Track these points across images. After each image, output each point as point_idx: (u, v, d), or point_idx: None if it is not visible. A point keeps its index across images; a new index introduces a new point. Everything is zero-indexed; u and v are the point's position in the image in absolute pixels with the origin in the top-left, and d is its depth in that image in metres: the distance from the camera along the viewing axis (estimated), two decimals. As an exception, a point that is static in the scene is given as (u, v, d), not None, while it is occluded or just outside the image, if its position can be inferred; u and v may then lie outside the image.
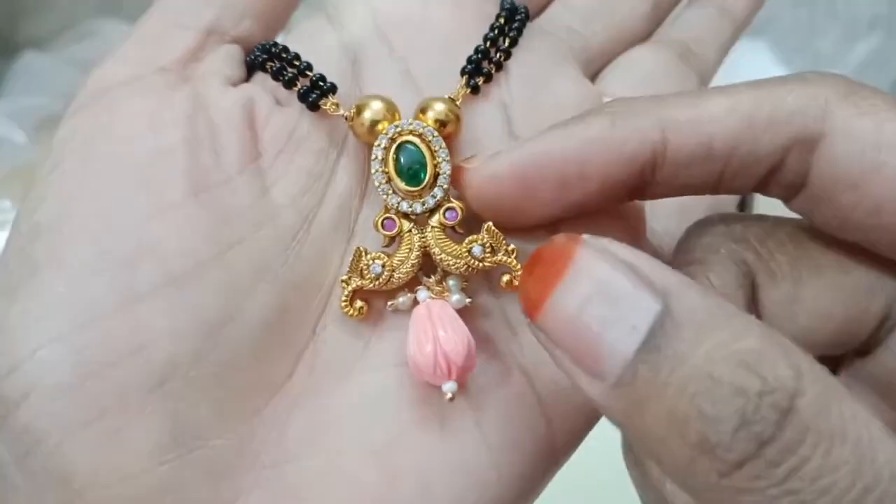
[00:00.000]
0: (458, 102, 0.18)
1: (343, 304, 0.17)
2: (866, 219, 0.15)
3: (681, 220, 0.19)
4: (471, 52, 0.19)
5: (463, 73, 0.18)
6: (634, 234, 0.18)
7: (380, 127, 0.17)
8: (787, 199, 0.16)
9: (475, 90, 0.18)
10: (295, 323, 0.16)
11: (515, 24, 0.19)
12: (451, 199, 0.17)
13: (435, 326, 0.16)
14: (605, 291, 0.12)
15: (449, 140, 0.17)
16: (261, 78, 0.18)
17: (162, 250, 0.15)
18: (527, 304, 0.13)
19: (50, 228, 0.15)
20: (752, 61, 0.62)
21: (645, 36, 0.23)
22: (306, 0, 0.20)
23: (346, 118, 0.17)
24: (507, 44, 0.19)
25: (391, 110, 0.17)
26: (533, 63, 0.19)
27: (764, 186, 0.16)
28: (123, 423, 0.14)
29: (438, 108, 0.17)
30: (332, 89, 0.17)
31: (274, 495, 0.15)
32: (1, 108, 0.55)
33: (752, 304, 0.17)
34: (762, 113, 0.15)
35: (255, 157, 0.17)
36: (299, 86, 0.17)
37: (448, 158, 0.17)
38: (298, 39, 0.19)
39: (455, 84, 0.18)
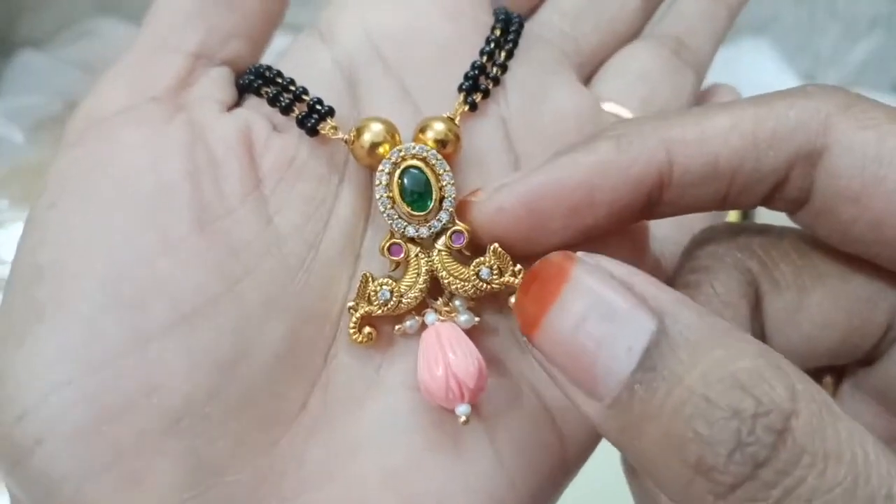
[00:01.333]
0: (456, 121, 0.17)
1: (352, 330, 0.16)
2: (867, 232, 0.15)
3: (681, 226, 0.19)
4: (467, 65, 0.18)
5: (460, 89, 0.18)
6: (638, 250, 0.18)
7: (381, 150, 0.17)
8: (791, 213, 0.16)
9: (473, 107, 0.18)
10: (306, 353, 0.16)
11: (511, 36, 0.19)
12: (457, 222, 0.17)
13: (444, 349, 0.16)
14: (600, 310, 0.12)
15: (449, 159, 0.17)
16: (255, 102, 0.18)
17: (171, 288, 0.15)
18: (523, 322, 0.13)
19: (53, 270, 0.15)
20: (753, 61, 0.62)
21: (637, 30, 0.22)
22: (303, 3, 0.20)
23: (345, 142, 0.17)
24: (503, 57, 0.19)
25: (391, 132, 0.17)
26: (528, 74, 0.19)
27: (769, 201, 0.16)
28: (141, 464, 0.14)
29: (438, 128, 0.17)
30: (330, 112, 0.17)
31: None
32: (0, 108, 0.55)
33: (756, 313, 0.17)
34: (765, 129, 0.15)
35: (256, 185, 0.16)
36: (297, 112, 0.17)
37: (453, 181, 0.17)
38: (291, 59, 0.18)
39: (452, 100, 0.18)
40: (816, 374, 0.18)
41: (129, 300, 0.15)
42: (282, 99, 0.17)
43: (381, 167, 0.17)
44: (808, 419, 0.11)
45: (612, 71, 0.21)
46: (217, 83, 0.18)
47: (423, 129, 0.17)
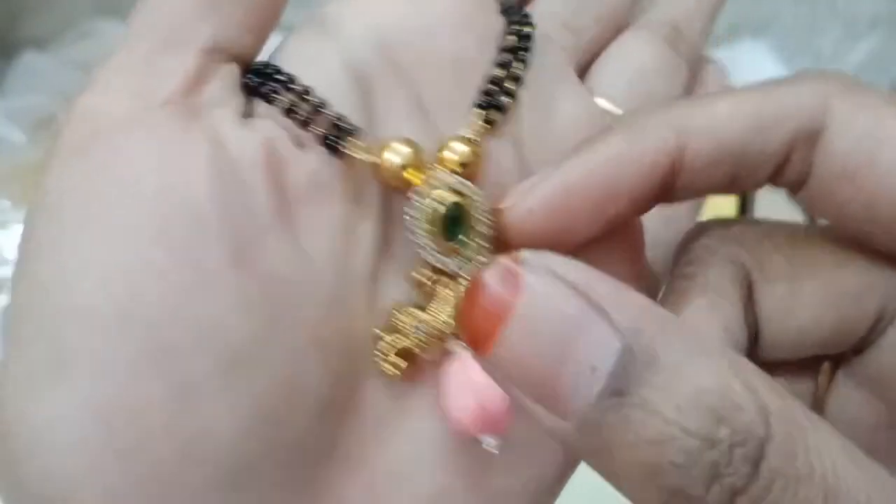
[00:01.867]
0: (477, 141, 0.17)
1: (382, 362, 0.16)
2: (861, 212, 0.15)
3: (668, 226, 0.20)
4: (479, 75, 0.17)
5: (479, 106, 0.17)
6: (634, 249, 0.18)
7: (408, 174, 0.16)
8: (793, 193, 0.17)
9: (491, 124, 0.17)
10: (342, 389, 0.15)
11: (525, 44, 0.18)
12: (487, 255, 0.16)
13: (472, 379, 0.15)
14: (558, 325, 0.12)
15: (470, 181, 0.17)
16: (267, 107, 0.16)
17: (213, 331, 0.13)
18: (473, 338, 0.12)
19: (78, 311, 0.13)
20: (753, 61, 0.62)
21: (629, 13, 0.22)
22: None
23: (371, 164, 0.16)
24: (518, 68, 0.18)
25: (418, 154, 0.16)
26: (535, 80, 0.18)
27: (773, 181, 0.17)
28: None
29: (461, 150, 0.16)
30: (355, 131, 0.16)
31: None
32: (1, 108, 0.55)
33: (750, 304, 0.17)
34: (768, 111, 0.16)
35: (285, 207, 0.15)
36: (322, 131, 0.16)
37: (488, 214, 0.16)
38: (293, 56, 0.17)
39: (465, 113, 0.17)
40: (813, 361, 0.18)
41: (167, 348, 0.13)
42: (298, 111, 0.16)
43: (416, 197, 0.16)
44: (781, 442, 0.11)
45: (608, 65, 0.21)
46: (228, 84, 0.16)
47: (444, 151, 0.16)
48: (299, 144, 0.16)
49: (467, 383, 0.15)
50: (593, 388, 0.11)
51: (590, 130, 0.18)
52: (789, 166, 0.16)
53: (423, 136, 0.17)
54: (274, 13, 0.17)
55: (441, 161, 0.16)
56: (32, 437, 0.13)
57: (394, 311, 0.16)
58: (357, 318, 0.16)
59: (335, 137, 0.15)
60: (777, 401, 0.12)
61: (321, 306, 0.15)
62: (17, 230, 0.50)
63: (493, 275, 0.12)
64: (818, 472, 0.11)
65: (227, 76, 0.16)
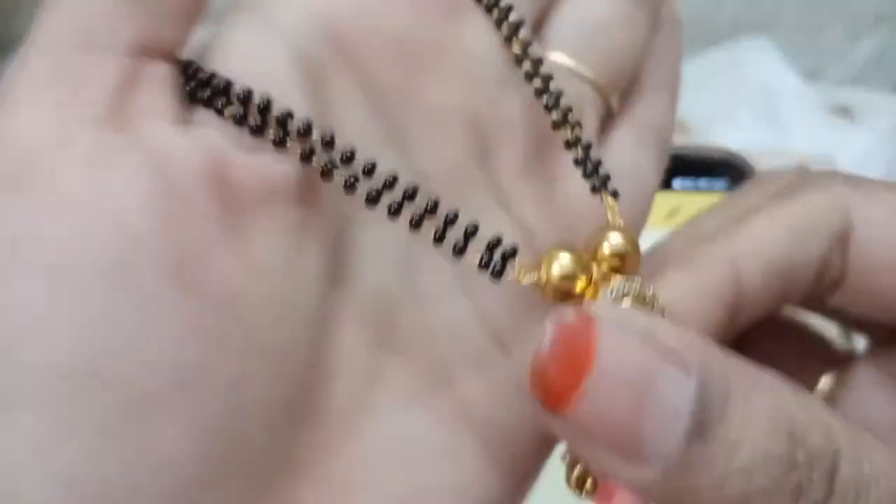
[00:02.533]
0: (626, 227, 0.16)
1: (575, 487, 0.16)
2: None
3: None
4: (438, 52, 0.16)
5: (598, 187, 0.17)
6: None
7: (575, 287, 0.15)
8: (827, 297, 0.17)
9: (616, 195, 0.17)
10: (295, 393, 0.15)
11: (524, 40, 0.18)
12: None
13: None
14: (636, 374, 0.12)
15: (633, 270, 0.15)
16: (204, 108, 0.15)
17: (154, 355, 0.13)
18: (551, 397, 0.13)
19: (10, 352, 0.12)
20: (756, 59, 0.62)
21: None
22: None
23: (535, 283, 0.15)
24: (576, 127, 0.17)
25: (581, 262, 0.15)
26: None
27: (813, 290, 0.17)
28: None
29: (614, 242, 0.15)
30: (514, 253, 0.15)
31: None
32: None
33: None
34: (802, 220, 0.16)
35: (228, 218, 0.14)
36: (440, 231, 0.15)
37: (664, 307, 0.15)
38: (228, 49, 0.15)
39: (427, 94, 0.16)
40: (815, 374, 0.19)
41: (108, 375, 0.12)
42: (316, 157, 0.14)
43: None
44: (848, 455, 0.13)
45: (565, 17, 0.19)
46: (159, 86, 0.14)
47: (594, 244, 0.15)
48: (244, 148, 0.14)
49: None
50: (678, 429, 0.12)
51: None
52: (828, 270, 0.17)
53: (382, 128, 0.16)
54: (197, 6, 0.15)
55: (601, 260, 0.15)
56: None
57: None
58: (310, 323, 0.15)
59: (495, 261, 0.15)
60: (833, 419, 0.13)
61: (271, 315, 0.14)
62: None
63: (565, 332, 0.13)
64: (882, 474, 0.13)
65: (157, 77, 0.14)
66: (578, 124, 0.17)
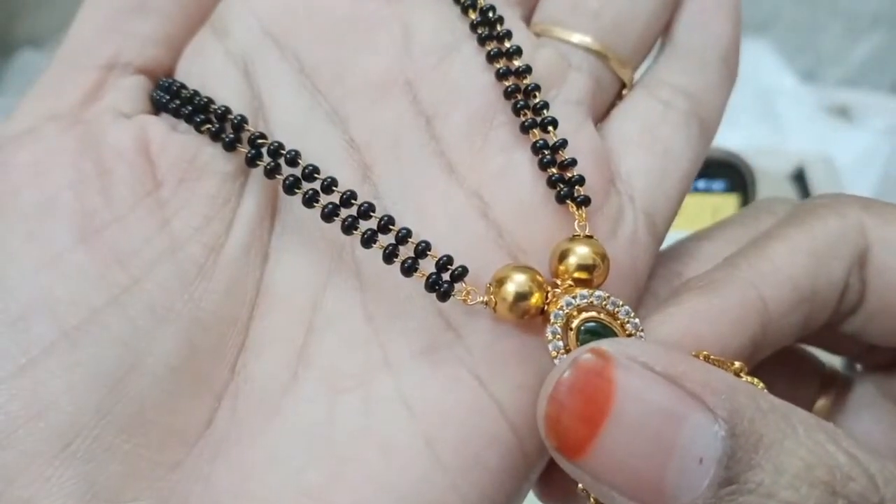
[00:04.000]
0: (593, 237, 0.15)
1: None
2: None
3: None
4: (387, 38, 0.17)
5: (564, 198, 0.16)
6: None
7: (530, 301, 0.15)
8: (844, 320, 0.17)
9: (587, 203, 0.16)
10: (209, 363, 0.15)
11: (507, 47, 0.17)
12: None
13: None
14: (658, 420, 0.11)
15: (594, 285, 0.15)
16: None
17: (52, 303, 0.14)
18: (567, 445, 0.12)
19: None
20: (755, 60, 0.62)
21: None
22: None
23: (485, 304, 0.15)
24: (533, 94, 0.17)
25: (535, 279, 0.15)
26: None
27: (833, 315, 0.17)
28: (32, 492, 0.14)
29: (582, 253, 0.15)
30: (463, 274, 0.15)
31: None
32: (-2, 108, 0.55)
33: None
34: (822, 245, 0.16)
35: (151, 189, 0.16)
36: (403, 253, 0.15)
37: (642, 329, 0.15)
38: (186, 58, 0.18)
39: (369, 90, 0.17)
40: (810, 397, 0.18)
41: (10, 318, 0.14)
42: (280, 173, 0.16)
43: (552, 324, 0.15)
44: (892, 500, 0.12)
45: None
46: (127, 94, 0.17)
47: (562, 256, 0.15)
48: (173, 128, 0.17)
49: None
50: (703, 480, 0.11)
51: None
52: (847, 292, 0.16)
53: (318, 104, 0.17)
54: (191, 26, 0.18)
55: (558, 271, 0.15)
56: None
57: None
58: (235, 294, 0.16)
59: (440, 279, 0.15)
60: (876, 462, 0.12)
61: (181, 280, 0.15)
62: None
63: (581, 376, 0.12)
64: None
65: (130, 87, 0.17)
66: (546, 105, 0.17)
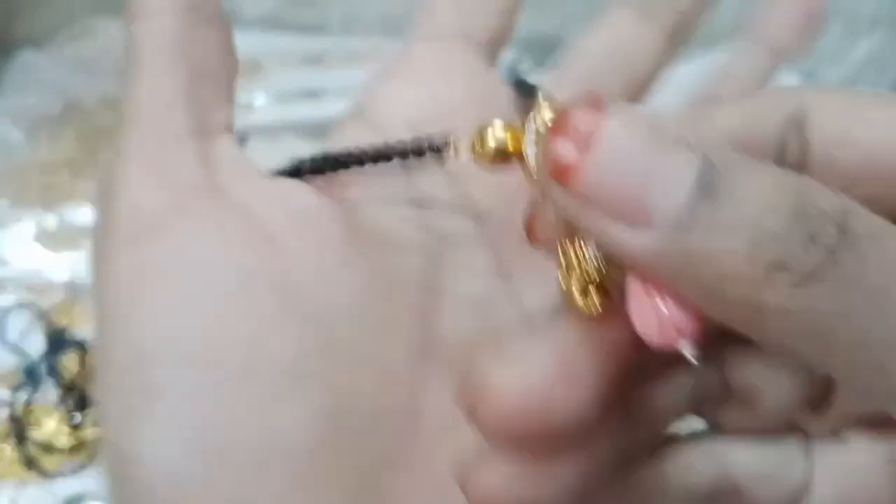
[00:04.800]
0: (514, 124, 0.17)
1: (580, 303, 0.15)
2: (863, 168, 0.16)
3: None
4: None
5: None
6: None
7: (510, 148, 0.16)
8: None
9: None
10: (400, 396, 0.18)
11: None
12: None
13: (651, 298, 0.15)
14: (644, 146, 0.13)
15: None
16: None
17: (270, 357, 0.16)
18: (556, 167, 0.13)
19: (160, 355, 0.16)
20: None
21: None
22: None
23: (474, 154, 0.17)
24: None
25: (511, 128, 0.16)
26: None
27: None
28: None
29: (547, 116, 0.16)
30: (447, 142, 0.18)
31: None
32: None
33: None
34: (755, 105, 0.17)
35: (320, 254, 0.18)
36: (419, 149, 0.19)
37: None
38: (342, 143, 0.20)
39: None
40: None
41: (232, 374, 0.16)
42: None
43: (531, 133, 0.16)
44: (860, 212, 0.13)
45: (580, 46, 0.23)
46: (230, 156, 0.18)
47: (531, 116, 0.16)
48: (319, 190, 0.18)
49: (648, 303, 0.15)
50: (684, 189, 0.12)
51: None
52: (787, 152, 0.17)
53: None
54: (230, 85, 0.19)
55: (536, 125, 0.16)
56: (139, 460, 0.16)
57: (560, 246, 0.16)
58: (400, 325, 0.18)
59: (438, 151, 0.19)
60: (843, 195, 0.13)
61: (369, 330, 0.17)
62: (15, 229, 0.50)
63: (579, 108, 0.13)
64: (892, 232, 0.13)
65: (228, 145, 0.19)
66: None
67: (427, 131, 0.19)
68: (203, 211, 0.17)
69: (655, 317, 0.14)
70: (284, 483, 0.16)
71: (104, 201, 0.18)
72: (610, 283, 0.15)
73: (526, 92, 0.19)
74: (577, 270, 0.15)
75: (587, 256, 0.15)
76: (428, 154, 0.18)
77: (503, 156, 0.16)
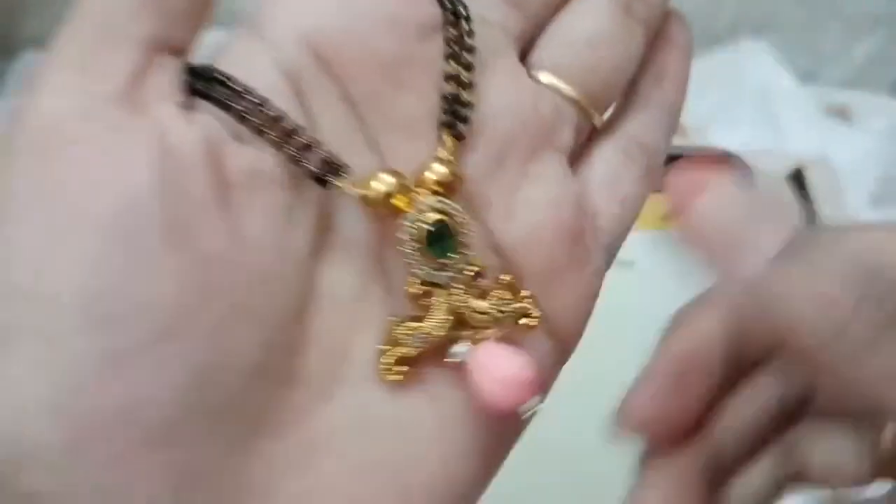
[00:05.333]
0: (454, 160, 0.18)
1: (385, 372, 0.17)
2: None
3: None
4: (417, 70, 0.18)
5: (446, 124, 0.18)
6: None
7: (395, 200, 0.17)
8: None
9: (461, 138, 0.18)
10: (276, 356, 0.16)
11: (467, 44, 0.18)
12: (474, 262, 0.18)
13: (494, 363, 0.17)
14: (744, 200, 0.16)
15: (452, 198, 0.18)
16: (205, 103, 0.17)
17: (144, 305, 0.15)
18: (675, 207, 0.16)
19: (19, 292, 0.15)
20: (754, 60, 0.62)
21: None
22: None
23: (361, 198, 0.17)
24: (468, 75, 0.18)
25: (402, 182, 0.17)
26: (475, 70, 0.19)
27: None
28: (126, 480, 0.15)
29: (440, 171, 0.17)
30: (344, 169, 0.17)
31: None
32: (1, 108, 0.55)
33: None
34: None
35: (224, 196, 0.16)
36: (313, 169, 0.17)
37: (472, 230, 0.18)
38: (228, 59, 0.17)
39: (406, 110, 0.18)
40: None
41: (102, 320, 0.15)
42: (286, 145, 0.17)
43: (407, 219, 0.17)
44: None
45: (555, 36, 0.20)
46: (171, 78, 0.16)
47: (424, 173, 0.18)
48: (238, 138, 0.17)
49: (491, 367, 0.17)
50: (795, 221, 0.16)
51: (517, 115, 0.19)
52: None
53: (360, 137, 0.18)
54: (206, 4, 0.17)
55: (422, 184, 0.17)
56: None
57: (392, 325, 0.18)
58: (294, 292, 0.17)
59: (325, 173, 0.17)
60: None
61: (253, 280, 0.16)
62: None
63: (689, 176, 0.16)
64: None
65: (171, 70, 0.17)
66: (471, 65, 0.18)
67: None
68: (109, 124, 0.15)
69: (499, 388, 0.17)
70: (141, 441, 0.15)
71: (22, 100, 0.16)
72: (425, 360, 0.18)
73: (453, 7, 0.19)
74: (393, 346, 0.17)
75: (410, 335, 0.17)
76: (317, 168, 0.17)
77: (390, 205, 0.17)
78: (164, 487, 0.15)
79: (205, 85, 0.17)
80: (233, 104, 0.16)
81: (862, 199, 0.56)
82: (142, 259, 0.15)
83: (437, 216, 0.17)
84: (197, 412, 0.15)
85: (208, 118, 0.16)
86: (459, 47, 0.18)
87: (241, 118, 0.16)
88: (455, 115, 0.18)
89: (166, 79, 0.16)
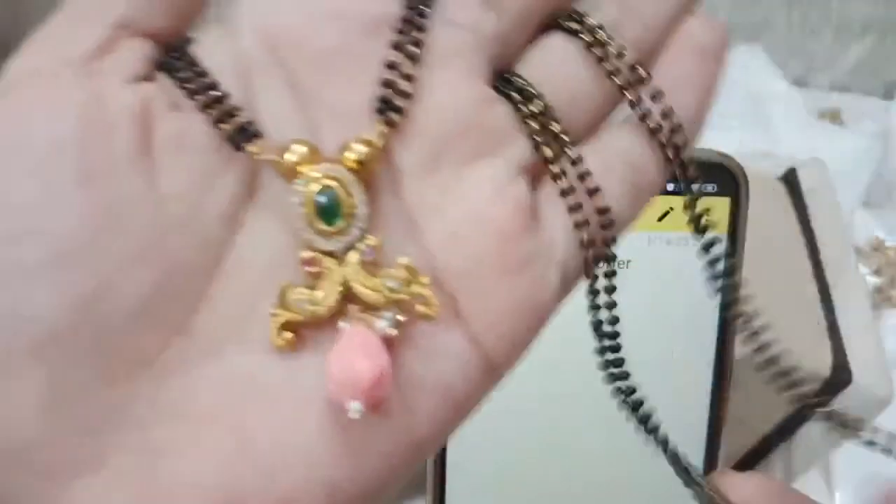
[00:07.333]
0: (373, 141, 0.18)
1: (274, 336, 0.18)
2: None
3: None
4: (365, 62, 0.18)
5: (378, 111, 0.18)
6: None
7: (301, 168, 0.18)
8: None
9: (392, 124, 0.18)
10: (173, 303, 0.17)
11: (413, 36, 0.18)
12: (368, 237, 0.18)
13: (346, 351, 0.17)
14: None
15: (370, 175, 0.18)
16: (164, 77, 0.18)
17: (46, 231, 0.16)
18: None
19: None
20: (746, 64, 0.63)
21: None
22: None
23: (272, 162, 0.18)
24: (409, 66, 0.18)
25: (313, 152, 0.18)
26: (443, 81, 0.19)
27: None
28: (6, 384, 0.16)
29: (359, 150, 0.18)
30: (258, 135, 0.18)
31: (137, 454, 0.17)
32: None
33: None
34: None
35: (146, 152, 0.17)
36: (227, 126, 0.18)
37: (365, 199, 0.18)
38: (198, 46, 0.19)
39: (352, 100, 0.18)
40: None
41: (4, 236, 0.16)
42: (198, 94, 0.18)
43: (297, 184, 0.18)
44: None
45: (532, 62, 0.20)
46: (133, 56, 0.18)
47: (344, 150, 0.18)
48: (176, 107, 0.18)
49: (341, 355, 0.17)
50: None
51: (462, 117, 0.18)
52: None
53: (300, 121, 0.18)
54: (197, 2, 0.19)
55: (339, 161, 0.18)
56: None
57: (285, 291, 0.18)
58: (204, 249, 0.18)
59: (240, 137, 0.18)
60: None
61: (161, 230, 0.17)
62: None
63: None
64: None
65: (137, 49, 0.18)
66: (415, 57, 0.18)
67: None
68: (56, 79, 0.17)
69: (336, 376, 0.17)
70: (19, 351, 0.16)
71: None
72: (313, 328, 0.18)
73: (415, 23, 0.19)
74: (283, 311, 0.18)
75: (298, 301, 0.18)
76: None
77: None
78: (38, 398, 0.16)
79: (166, 58, 0.19)
80: (178, 73, 0.18)
81: (854, 200, 0.57)
82: (52, 192, 0.16)
83: (328, 182, 0.18)
84: (81, 338, 0.16)
85: (151, 88, 0.18)
86: (407, 40, 0.18)
87: (180, 84, 0.18)
88: (386, 103, 0.18)
89: (129, 57, 0.18)
